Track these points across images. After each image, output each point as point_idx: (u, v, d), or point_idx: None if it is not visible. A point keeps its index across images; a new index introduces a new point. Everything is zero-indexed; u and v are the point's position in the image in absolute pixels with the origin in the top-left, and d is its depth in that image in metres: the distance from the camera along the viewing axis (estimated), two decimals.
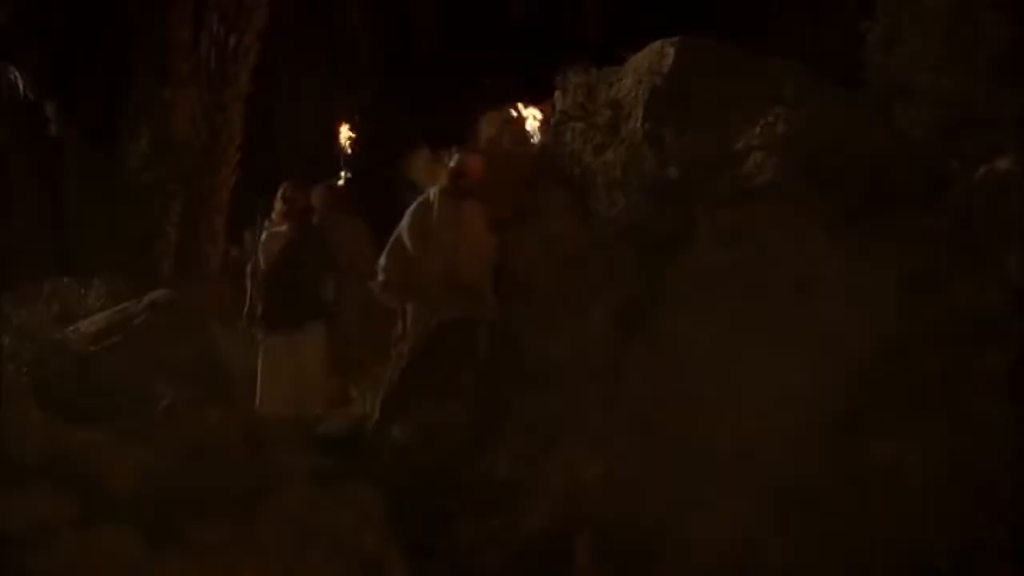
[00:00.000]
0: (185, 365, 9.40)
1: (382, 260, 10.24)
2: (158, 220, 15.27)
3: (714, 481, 8.88)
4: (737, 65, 12.08)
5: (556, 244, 10.47)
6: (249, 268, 11.03)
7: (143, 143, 15.16)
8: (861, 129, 11.40)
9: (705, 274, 9.79)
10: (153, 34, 15.63)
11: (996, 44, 12.71)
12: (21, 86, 14.53)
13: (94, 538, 6.31)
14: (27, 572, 6.17)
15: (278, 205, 11.64)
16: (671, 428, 9.27)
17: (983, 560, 8.70)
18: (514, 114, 12.25)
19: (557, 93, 12.25)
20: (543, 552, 8.33)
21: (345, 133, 11.31)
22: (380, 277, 10.21)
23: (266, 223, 11.81)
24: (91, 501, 6.48)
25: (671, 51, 11.96)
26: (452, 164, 10.40)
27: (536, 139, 11.75)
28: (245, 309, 10.64)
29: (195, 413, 7.73)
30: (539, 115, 11.83)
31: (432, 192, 10.35)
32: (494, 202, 10.51)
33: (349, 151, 11.15)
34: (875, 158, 10.99)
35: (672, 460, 8.97)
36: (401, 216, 10.57)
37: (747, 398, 9.24)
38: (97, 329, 9.63)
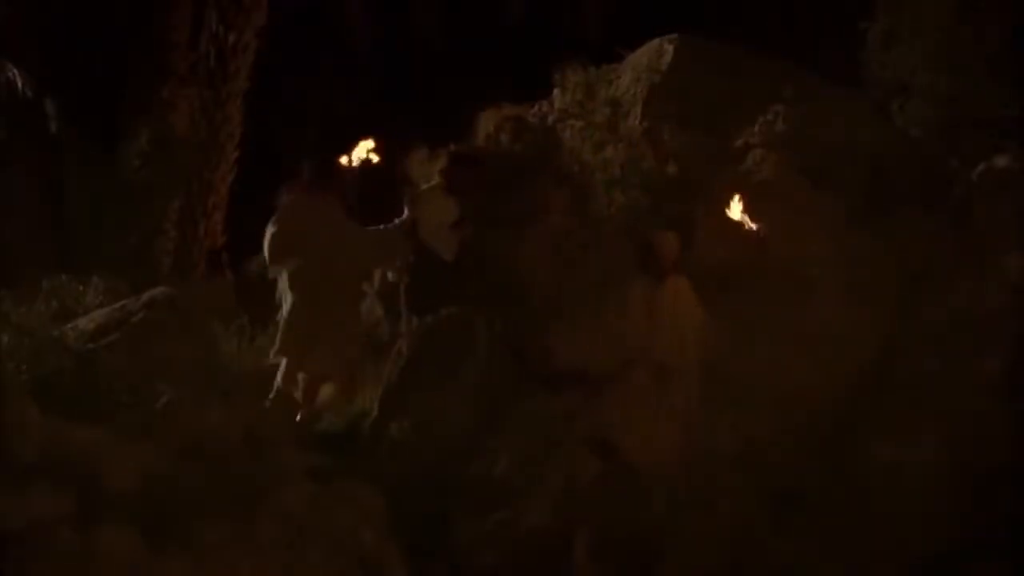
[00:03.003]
0: (184, 363, 9.39)
1: None
2: (157, 218, 15.27)
3: (713, 480, 8.89)
4: (736, 63, 12.08)
5: (556, 242, 10.46)
6: None
7: (142, 141, 15.14)
8: (860, 128, 11.41)
9: (704, 272, 9.78)
10: (152, 32, 15.63)
11: (994, 44, 12.73)
12: (20, 84, 14.52)
13: (93, 537, 6.31)
14: (26, 571, 6.18)
15: None
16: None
17: (981, 559, 8.71)
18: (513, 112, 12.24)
19: (556, 91, 12.24)
20: (542, 550, 8.35)
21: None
22: None
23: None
24: (90, 500, 6.48)
25: (670, 49, 11.96)
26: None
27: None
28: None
29: (194, 412, 7.71)
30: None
31: None
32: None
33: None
34: (874, 157, 10.99)
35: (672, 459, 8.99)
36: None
37: (746, 397, 9.25)
38: (96, 327, 9.60)
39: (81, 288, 10.82)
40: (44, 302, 10.29)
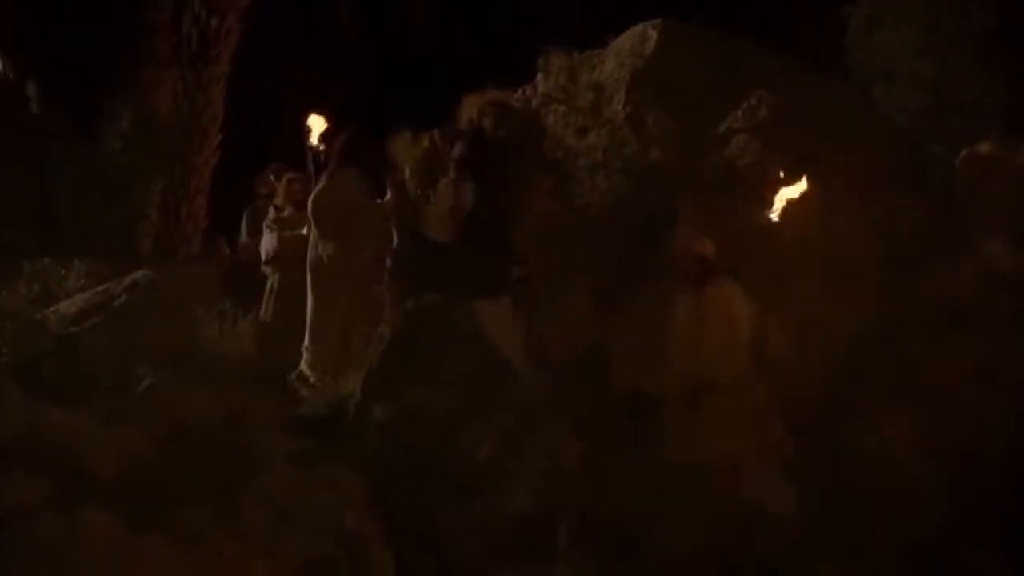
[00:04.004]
0: (166, 347, 9.37)
1: None
2: (139, 201, 15.20)
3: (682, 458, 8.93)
4: (719, 49, 12.08)
5: (540, 227, 10.47)
6: None
7: (124, 124, 15.07)
8: (843, 114, 11.43)
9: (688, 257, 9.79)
10: (134, 14, 15.56)
11: (978, 30, 12.77)
12: (1, 67, 14.47)
13: (76, 521, 6.30)
14: (8, 554, 6.16)
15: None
16: (651, 408, 9.31)
17: (963, 544, 8.75)
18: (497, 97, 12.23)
19: (539, 75, 12.23)
20: (525, 534, 8.35)
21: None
22: None
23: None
24: (72, 484, 6.47)
25: (653, 34, 11.95)
26: None
27: None
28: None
29: (177, 396, 7.70)
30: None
31: None
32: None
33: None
34: (857, 143, 11.01)
35: (652, 440, 9.02)
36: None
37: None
38: (78, 310, 9.57)
39: (63, 271, 10.78)
40: (26, 285, 10.25)
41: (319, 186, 10.63)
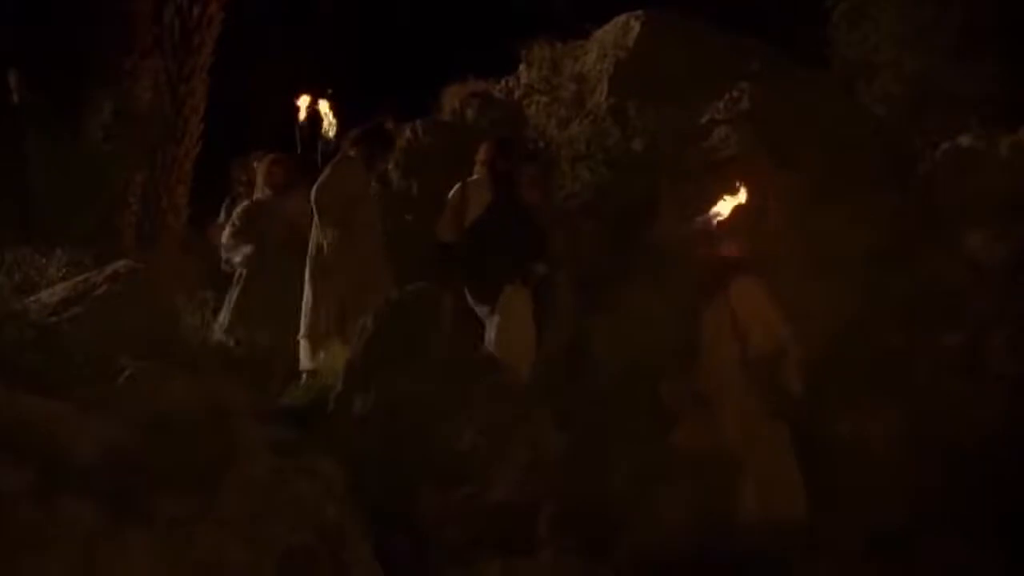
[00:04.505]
0: (147, 336, 9.35)
1: None
2: (121, 190, 15.18)
3: (676, 453, 8.92)
4: (702, 40, 12.12)
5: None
6: None
7: (105, 113, 15.06)
8: (825, 105, 11.46)
9: (669, 247, 9.80)
10: (116, 3, 15.52)
11: (959, 21, 12.79)
12: None
13: (54, 510, 6.29)
14: None
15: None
16: (634, 400, 9.31)
17: (943, 533, 8.78)
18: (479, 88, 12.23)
19: (522, 66, 12.24)
20: (506, 524, 8.35)
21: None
22: None
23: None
24: (52, 473, 6.45)
25: (636, 25, 11.99)
26: None
27: None
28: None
29: (157, 385, 7.67)
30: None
31: None
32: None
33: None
34: (839, 134, 11.04)
35: (634, 432, 9.01)
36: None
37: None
38: (58, 299, 9.54)
39: (44, 260, 10.75)
40: (6, 274, 10.22)
41: (325, 174, 10.49)
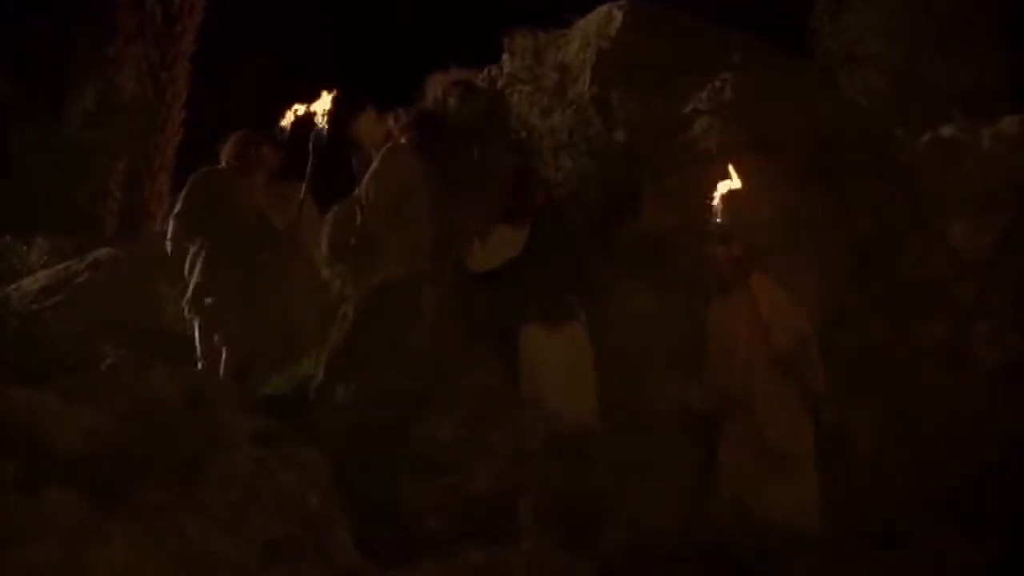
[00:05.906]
0: (129, 324, 9.33)
1: None
2: (103, 178, 15.17)
3: (660, 444, 8.93)
4: (685, 30, 12.10)
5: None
6: None
7: (88, 100, 15.05)
8: (808, 96, 11.46)
9: (652, 238, 9.80)
10: None
11: (943, 13, 12.82)
12: None
13: (39, 499, 6.28)
14: None
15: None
16: (618, 391, 9.32)
17: (926, 523, 8.81)
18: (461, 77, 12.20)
19: (504, 55, 12.22)
20: (489, 514, 8.36)
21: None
22: None
23: None
24: (35, 462, 6.44)
25: (619, 15, 11.96)
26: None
27: None
28: None
29: (139, 374, 7.67)
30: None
31: None
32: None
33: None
34: (822, 125, 11.05)
35: (618, 423, 9.02)
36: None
37: (693, 363, 9.29)
38: (40, 287, 9.55)
39: (25, 248, 10.74)
40: None
41: (375, 165, 10.07)
